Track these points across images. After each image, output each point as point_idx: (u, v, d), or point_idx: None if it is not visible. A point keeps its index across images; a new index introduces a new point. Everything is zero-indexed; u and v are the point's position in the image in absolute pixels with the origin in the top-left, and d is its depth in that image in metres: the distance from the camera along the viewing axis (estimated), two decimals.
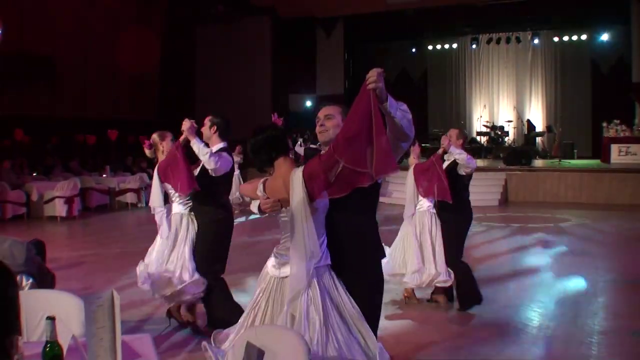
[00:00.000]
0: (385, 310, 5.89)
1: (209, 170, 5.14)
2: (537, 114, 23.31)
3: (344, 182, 2.92)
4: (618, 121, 18.01)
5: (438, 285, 6.34)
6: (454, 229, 6.28)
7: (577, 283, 7.58)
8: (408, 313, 6.31)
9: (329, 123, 3.29)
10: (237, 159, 8.94)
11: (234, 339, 3.08)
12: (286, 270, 3.14)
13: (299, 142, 12.19)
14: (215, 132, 5.51)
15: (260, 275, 3.35)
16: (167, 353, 4.80)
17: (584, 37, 21.74)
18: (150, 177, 16.62)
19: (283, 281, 3.15)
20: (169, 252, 5.31)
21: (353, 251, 3.16)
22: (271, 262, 3.28)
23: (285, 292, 3.12)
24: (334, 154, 2.90)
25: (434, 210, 6.41)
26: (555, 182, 16.28)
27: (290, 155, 3.33)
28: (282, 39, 22.64)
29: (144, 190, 15.86)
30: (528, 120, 22.64)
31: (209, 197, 5.33)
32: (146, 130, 20.59)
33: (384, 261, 3.39)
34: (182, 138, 5.29)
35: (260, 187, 3.25)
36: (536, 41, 22.32)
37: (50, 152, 17.31)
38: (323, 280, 3.06)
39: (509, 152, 18.35)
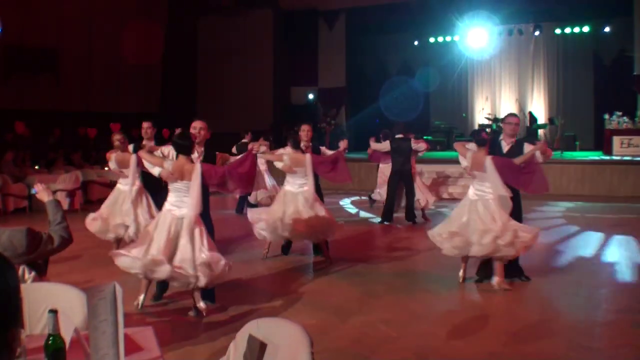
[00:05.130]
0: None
1: None
2: (539, 107, 23.25)
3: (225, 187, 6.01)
4: (620, 113, 17.97)
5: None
6: None
7: (579, 275, 7.58)
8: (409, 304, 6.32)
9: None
10: (264, 148, 8.79)
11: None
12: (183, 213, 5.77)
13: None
14: None
15: (161, 215, 6.01)
16: (169, 346, 4.81)
17: (586, 29, 21.64)
18: None
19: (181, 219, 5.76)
20: None
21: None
22: (172, 209, 5.84)
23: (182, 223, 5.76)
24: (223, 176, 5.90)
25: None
26: (557, 174, 16.25)
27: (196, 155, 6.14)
28: (284, 32, 22.61)
29: None
30: (530, 113, 22.58)
31: None
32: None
33: None
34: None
35: (169, 165, 5.79)
36: (538, 33, 22.23)
37: (52, 146, 17.31)
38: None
39: None
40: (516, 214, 6.87)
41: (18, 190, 13.29)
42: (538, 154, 6.71)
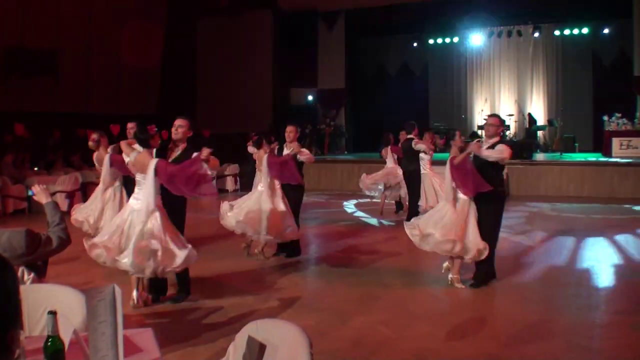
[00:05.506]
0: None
1: None
2: (538, 108, 23.26)
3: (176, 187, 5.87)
4: (619, 115, 17.97)
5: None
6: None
7: (578, 276, 7.58)
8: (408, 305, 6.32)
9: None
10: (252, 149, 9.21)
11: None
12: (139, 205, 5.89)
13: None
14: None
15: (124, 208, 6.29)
16: (169, 347, 4.81)
17: (585, 30, 21.64)
18: None
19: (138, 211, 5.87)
20: None
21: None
22: (132, 201, 6.07)
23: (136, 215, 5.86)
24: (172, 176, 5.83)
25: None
26: (557, 175, 16.27)
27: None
28: (283, 33, 22.60)
29: None
30: (529, 114, 22.58)
31: None
32: (148, 124, 20.58)
33: None
34: None
35: (133, 157, 6.02)
36: (537, 34, 22.25)
37: (52, 147, 17.30)
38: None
39: (511, 146, 18.26)
40: (486, 216, 6.90)
41: (17, 192, 13.29)
42: (482, 152, 6.86)
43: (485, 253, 6.73)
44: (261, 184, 8.26)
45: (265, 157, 8.17)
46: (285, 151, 8.63)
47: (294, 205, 8.31)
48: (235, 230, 8.34)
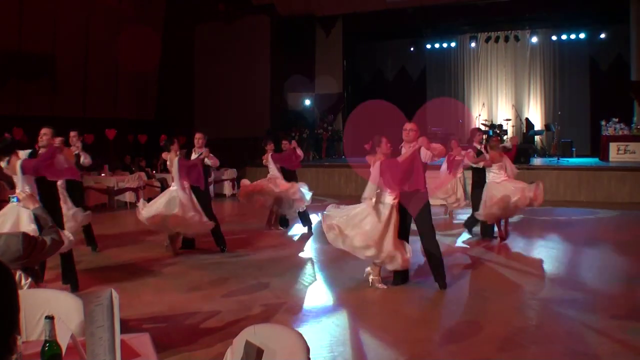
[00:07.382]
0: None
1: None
2: (535, 113, 23.31)
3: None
4: (616, 119, 18.01)
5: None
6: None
7: (574, 281, 7.59)
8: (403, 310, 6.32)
9: None
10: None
11: None
12: None
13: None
14: None
15: None
16: (166, 352, 4.80)
17: (582, 35, 21.72)
18: (149, 176, 16.71)
19: None
20: None
21: None
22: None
23: None
24: None
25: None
26: (554, 180, 16.29)
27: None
28: (281, 38, 22.62)
29: (143, 189, 15.86)
30: (527, 119, 22.63)
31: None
32: (145, 129, 20.66)
33: None
34: None
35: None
36: (535, 39, 22.31)
37: None
38: None
39: None
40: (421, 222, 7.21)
41: None
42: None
43: (399, 261, 6.86)
44: (174, 183, 9.02)
45: (175, 159, 8.94)
46: (194, 155, 9.39)
47: (203, 204, 9.05)
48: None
